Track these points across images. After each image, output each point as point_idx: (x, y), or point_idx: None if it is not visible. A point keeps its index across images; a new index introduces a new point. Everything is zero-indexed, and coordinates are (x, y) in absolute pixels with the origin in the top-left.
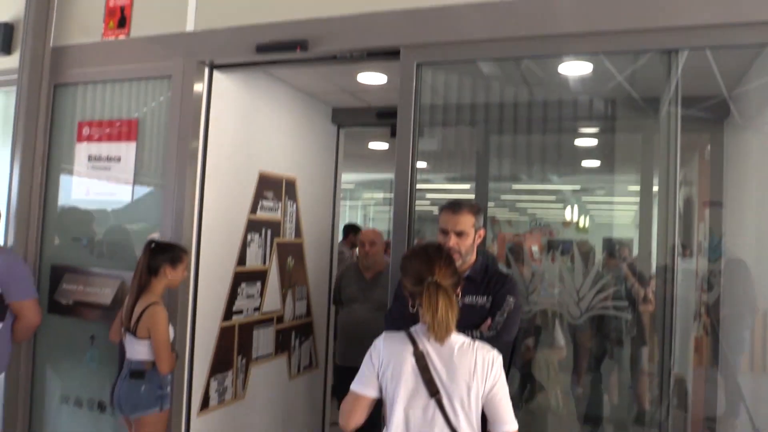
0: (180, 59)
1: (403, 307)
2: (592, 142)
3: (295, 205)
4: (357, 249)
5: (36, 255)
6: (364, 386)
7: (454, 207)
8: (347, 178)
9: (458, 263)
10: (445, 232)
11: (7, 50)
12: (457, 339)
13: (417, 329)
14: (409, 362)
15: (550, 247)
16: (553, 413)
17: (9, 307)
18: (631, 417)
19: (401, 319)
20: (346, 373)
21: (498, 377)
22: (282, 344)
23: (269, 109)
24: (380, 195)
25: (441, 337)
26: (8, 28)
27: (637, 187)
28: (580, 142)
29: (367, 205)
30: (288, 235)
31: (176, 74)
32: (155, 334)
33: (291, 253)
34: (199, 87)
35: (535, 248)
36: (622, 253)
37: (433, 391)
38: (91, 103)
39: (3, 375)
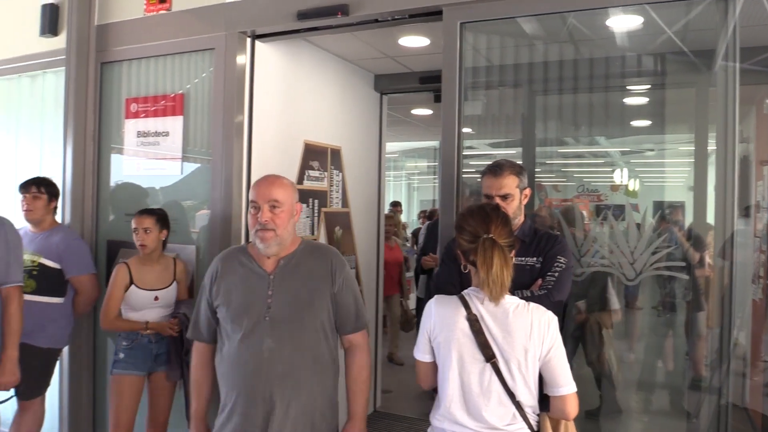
0: (222, 31)
1: (451, 271)
2: (642, 100)
3: (341, 175)
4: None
5: (92, 231)
6: (422, 352)
7: (495, 170)
8: (391, 147)
9: None
10: (489, 197)
11: (54, 31)
12: (512, 301)
13: (469, 292)
14: (463, 326)
15: (599, 211)
16: (606, 378)
17: (69, 282)
18: (687, 382)
19: (449, 284)
20: None
21: (555, 339)
22: None
23: (312, 78)
24: (424, 163)
25: (496, 295)
26: (54, 9)
27: (690, 147)
28: (629, 100)
29: (411, 175)
30: (335, 204)
31: (219, 46)
32: None
33: (339, 223)
34: (242, 59)
35: (584, 213)
36: (675, 216)
37: (489, 356)
38: (137, 80)
39: (67, 348)
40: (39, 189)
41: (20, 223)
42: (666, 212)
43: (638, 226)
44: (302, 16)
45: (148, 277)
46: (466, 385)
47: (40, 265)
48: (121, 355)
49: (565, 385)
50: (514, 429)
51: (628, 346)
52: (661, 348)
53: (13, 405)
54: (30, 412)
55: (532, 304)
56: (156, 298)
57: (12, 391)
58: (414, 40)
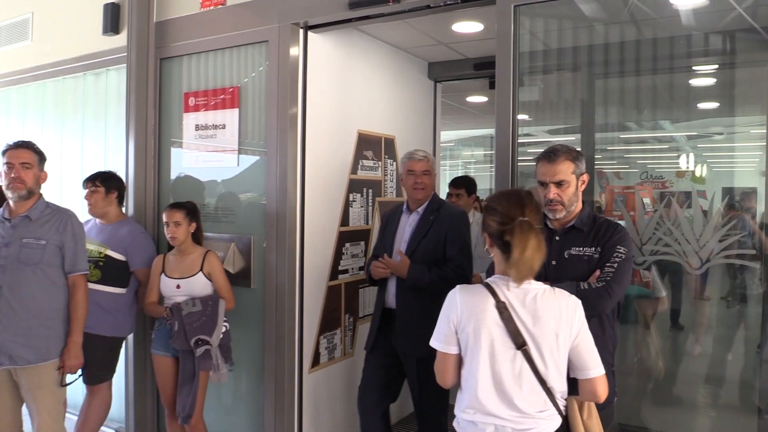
0: (275, 23)
1: None
2: (709, 81)
3: (395, 164)
4: None
5: (154, 223)
6: (446, 344)
7: (550, 156)
8: (446, 136)
9: (562, 215)
10: (543, 184)
11: (116, 30)
12: (537, 286)
13: (495, 279)
14: (493, 314)
15: (663, 198)
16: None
17: (133, 274)
18: (759, 377)
19: None
20: None
21: (582, 322)
22: None
23: (365, 68)
24: (480, 152)
25: (522, 276)
26: (115, 8)
27: (762, 129)
28: (695, 82)
29: (468, 164)
30: (389, 194)
31: (272, 38)
32: None
33: None
34: (295, 50)
35: (646, 200)
36: (746, 203)
37: (520, 343)
38: (195, 74)
39: (132, 335)
40: (95, 183)
41: (88, 216)
42: (736, 199)
43: (705, 213)
44: (354, 5)
45: (176, 267)
46: (498, 374)
47: (107, 256)
48: (153, 336)
49: (595, 368)
50: (546, 415)
51: (695, 338)
52: (731, 340)
53: (83, 390)
54: (98, 397)
55: (557, 289)
56: (178, 287)
57: (78, 374)
58: (467, 26)
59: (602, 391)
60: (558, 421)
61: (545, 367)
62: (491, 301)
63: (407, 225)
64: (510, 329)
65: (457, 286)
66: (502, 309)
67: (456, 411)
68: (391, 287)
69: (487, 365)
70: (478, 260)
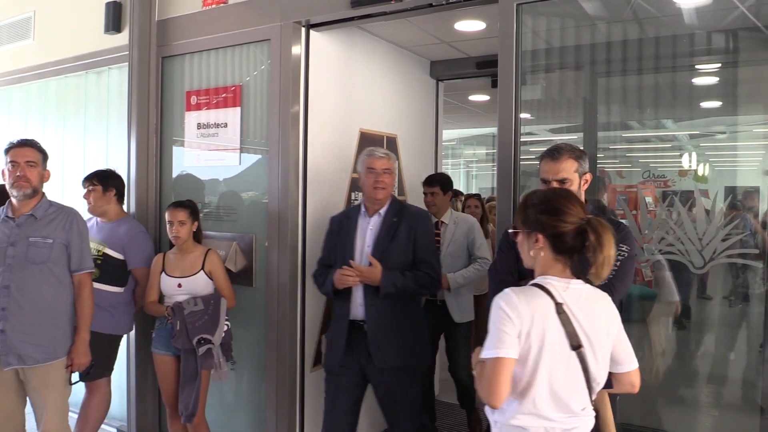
0: (277, 21)
1: (510, 259)
2: (712, 80)
3: (396, 163)
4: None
5: (155, 221)
6: (508, 349)
7: (553, 153)
8: (448, 135)
9: None
10: (546, 182)
11: (118, 28)
12: (582, 285)
13: (549, 280)
14: (553, 317)
15: (666, 197)
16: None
17: (131, 273)
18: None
19: (509, 273)
20: None
21: (618, 316)
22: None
23: (367, 67)
24: (482, 151)
25: (605, 274)
26: (117, 7)
27: (765, 128)
28: (697, 81)
29: (470, 162)
30: None
31: (274, 37)
32: None
33: None
34: (297, 49)
35: (649, 199)
36: (749, 202)
37: (577, 344)
38: (197, 73)
39: (133, 332)
40: (92, 182)
41: (89, 214)
42: (738, 198)
43: (707, 212)
44: (356, 3)
45: (176, 266)
46: (555, 376)
47: (105, 254)
48: (153, 335)
49: (633, 360)
50: (587, 413)
51: (698, 338)
52: (734, 340)
53: (81, 388)
54: (97, 395)
55: (594, 287)
56: (179, 285)
57: (77, 374)
58: (470, 24)
59: (639, 382)
60: (594, 417)
61: (597, 366)
62: (551, 302)
63: (368, 229)
64: (568, 331)
65: (509, 290)
66: (561, 311)
67: (496, 416)
68: (358, 297)
69: (546, 368)
70: (449, 259)
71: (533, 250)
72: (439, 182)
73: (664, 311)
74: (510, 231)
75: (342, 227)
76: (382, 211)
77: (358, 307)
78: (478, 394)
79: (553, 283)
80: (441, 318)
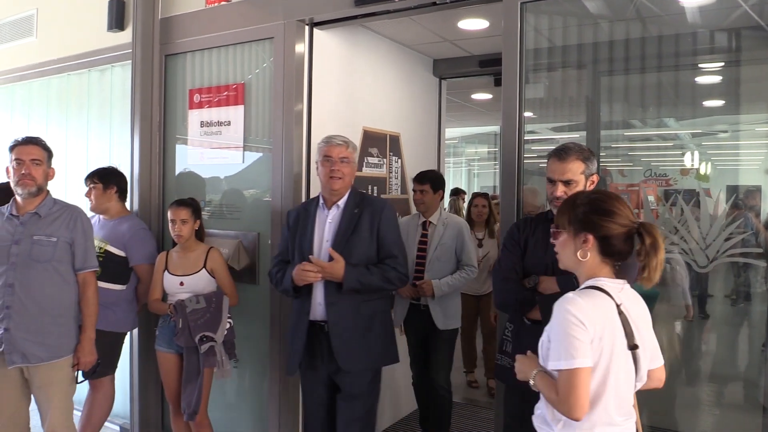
0: (280, 19)
1: (514, 257)
2: (715, 79)
3: (399, 161)
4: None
5: (158, 219)
6: (583, 357)
7: (560, 154)
8: (450, 133)
9: None
10: (552, 182)
11: (121, 26)
12: (628, 285)
13: (604, 281)
14: (617, 318)
15: (668, 196)
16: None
17: (133, 270)
18: (764, 377)
19: (513, 270)
20: None
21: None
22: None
23: (370, 65)
24: (484, 149)
25: (656, 278)
26: (120, 5)
27: (767, 127)
28: (700, 79)
29: (471, 161)
30: (394, 191)
31: (277, 35)
32: None
33: (398, 210)
34: (301, 47)
35: (651, 198)
36: (751, 201)
37: (634, 345)
38: (200, 71)
39: (136, 329)
40: (93, 180)
41: (92, 212)
42: (741, 197)
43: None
44: (360, 1)
45: (179, 264)
46: (618, 379)
47: (106, 252)
48: (157, 333)
49: (661, 356)
50: (633, 412)
51: (700, 336)
52: (736, 339)
53: (85, 386)
54: (101, 392)
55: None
56: (181, 284)
57: (80, 373)
58: (473, 23)
59: (665, 377)
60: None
61: (645, 365)
62: (613, 304)
63: (327, 222)
64: (627, 332)
65: (574, 295)
66: (620, 311)
67: (573, 427)
68: (318, 295)
69: (614, 372)
70: (436, 264)
71: (581, 251)
72: (429, 180)
73: (669, 311)
74: (552, 230)
75: (299, 221)
76: (341, 202)
77: (317, 307)
78: (551, 406)
79: (608, 284)
80: (424, 323)
